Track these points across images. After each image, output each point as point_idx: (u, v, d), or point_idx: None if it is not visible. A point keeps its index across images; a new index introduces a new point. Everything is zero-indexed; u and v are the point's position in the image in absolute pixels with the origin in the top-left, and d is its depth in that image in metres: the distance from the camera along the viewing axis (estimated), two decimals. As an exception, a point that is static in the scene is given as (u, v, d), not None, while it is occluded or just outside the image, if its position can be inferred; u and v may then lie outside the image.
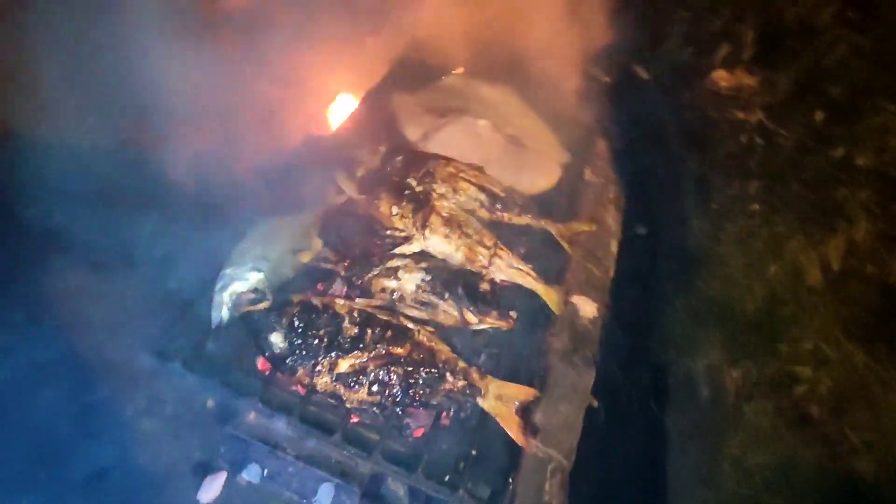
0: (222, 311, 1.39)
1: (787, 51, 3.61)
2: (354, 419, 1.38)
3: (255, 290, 1.41)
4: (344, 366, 1.31)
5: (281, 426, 1.31)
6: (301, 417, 1.32)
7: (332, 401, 1.31)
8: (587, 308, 1.83)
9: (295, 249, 1.54)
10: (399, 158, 1.79)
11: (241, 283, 1.41)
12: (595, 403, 2.42)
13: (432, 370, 1.34)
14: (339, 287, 1.60)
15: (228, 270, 1.45)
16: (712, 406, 2.51)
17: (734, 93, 3.58)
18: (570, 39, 3.04)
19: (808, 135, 3.25)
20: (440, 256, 1.63)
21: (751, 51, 3.63)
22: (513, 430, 1.36)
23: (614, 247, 2.07)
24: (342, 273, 1.54)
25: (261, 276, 1.44)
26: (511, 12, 2.68)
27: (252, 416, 1.34)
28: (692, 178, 3.36)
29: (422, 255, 1.61)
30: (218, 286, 1.42)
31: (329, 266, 1.54)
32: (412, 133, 1.92)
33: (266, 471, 1.34)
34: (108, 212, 1.83)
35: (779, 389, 2.42)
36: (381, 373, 1.31)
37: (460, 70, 2.36)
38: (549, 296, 1.64)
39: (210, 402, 1.40)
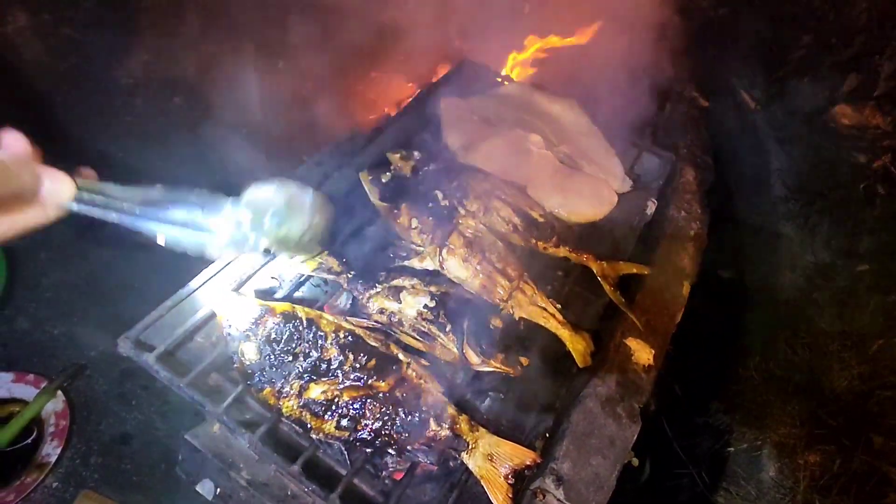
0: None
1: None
2: (327, 450, 1.23)
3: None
4: (315, 391, 1.17)
5: (242, 444, 1.19)
6: (265, 437, 1.19)
7: (298, 428, 1.17)
8: (642, 354, 1.57)
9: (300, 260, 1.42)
10: (431, 167, 1.63)
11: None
12: (635, 462, 2.16)
13: (413, 413, 1.17)
14: (343, 301, 1.48)
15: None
16: (776, 492, 2.18)
17: (857, 133, 3.12)
18: (662, 55, 2.77)
19: (944, 189, 2.77)
20: (456, 281, 1.46)
21: (885, 86, 3.13)
22: (498, 499, 1.16)
23: (686, 289, 1.79)
24: (345, 286, 1.41)
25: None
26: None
27: (216, 427, 1.24)
28: (792, 224, 2.99)
29: (435, 278, 1.44)
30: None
31: (331, 277, 1.41)
32: (454, 141, 1.75)
33: (219, 490, 1.23)
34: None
35: (865, 490, 2.04)
36: (355, 406, 1.16)
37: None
38: (574, 343, 1.42)
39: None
